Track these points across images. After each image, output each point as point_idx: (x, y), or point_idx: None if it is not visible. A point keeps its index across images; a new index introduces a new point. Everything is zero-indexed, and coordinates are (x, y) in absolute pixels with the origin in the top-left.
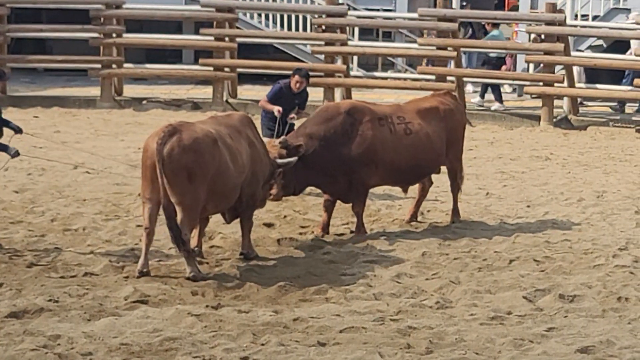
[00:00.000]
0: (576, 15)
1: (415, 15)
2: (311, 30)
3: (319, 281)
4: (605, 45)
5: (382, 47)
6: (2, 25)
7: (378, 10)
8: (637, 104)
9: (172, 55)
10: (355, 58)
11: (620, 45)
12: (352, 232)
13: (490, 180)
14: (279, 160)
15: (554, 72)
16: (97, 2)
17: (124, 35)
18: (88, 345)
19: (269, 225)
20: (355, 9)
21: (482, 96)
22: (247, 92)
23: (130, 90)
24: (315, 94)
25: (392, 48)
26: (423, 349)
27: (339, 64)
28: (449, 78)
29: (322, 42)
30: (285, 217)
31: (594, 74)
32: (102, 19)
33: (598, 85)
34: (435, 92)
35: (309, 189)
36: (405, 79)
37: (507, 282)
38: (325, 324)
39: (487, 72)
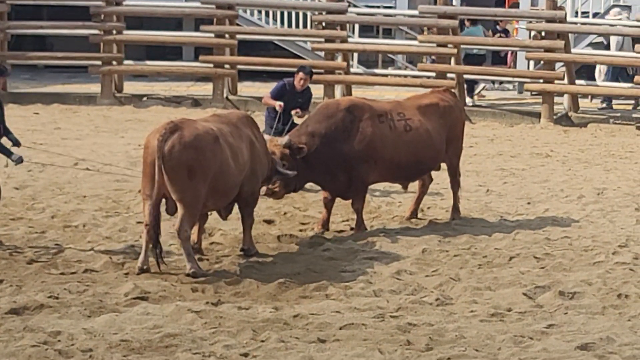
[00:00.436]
0: (577, 13)
1: (415, 12)
2: (311, 27)
3: (319, 278)
4: (605, 42)
5: (382, 44)
6: (2, 22)
7: (378, 7)
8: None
9: (172, 52)
10: (355, 55)
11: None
12: (352, 228)
13: (490, 177)
14: (279, 169)
15: (554, 69)
16: None
17: (124, 32)
18: (88, 342)
19: (269, 222)
20: (355, 5)
21: (471, 96)
22: (247, 89)
23: (131, 87)
24: (315, 91)
25: (393, 45)
26: (423, 346)
27: (339, 61)
28: (449, 75)
29: (323, 39)
30: (285, 213)
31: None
32: (102, 16)
33: (598, 83)
34: (434, 88)
35: (309, 185)
36: (405, 76)
37: (507, 279)
38: (325, 320)
39: (487, 69)
